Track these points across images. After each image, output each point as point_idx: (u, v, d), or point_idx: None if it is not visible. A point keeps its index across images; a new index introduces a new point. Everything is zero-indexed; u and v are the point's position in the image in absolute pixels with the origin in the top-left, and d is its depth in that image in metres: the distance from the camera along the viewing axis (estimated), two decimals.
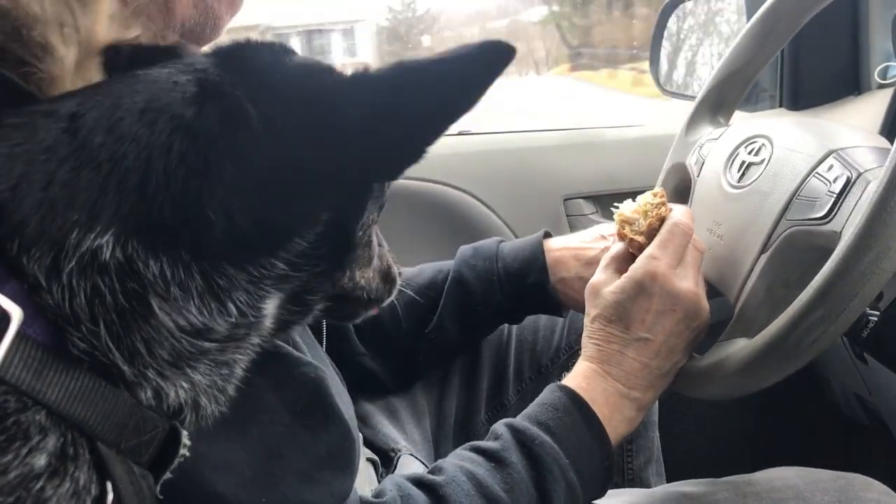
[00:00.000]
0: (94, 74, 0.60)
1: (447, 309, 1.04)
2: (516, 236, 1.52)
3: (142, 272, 0.45)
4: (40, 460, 0.40)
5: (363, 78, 0.50)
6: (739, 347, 0.76)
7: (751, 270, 0.80)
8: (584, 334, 0.86)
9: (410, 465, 0.98)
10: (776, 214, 0.79)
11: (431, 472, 0.75)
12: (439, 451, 1.10)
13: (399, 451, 1.00)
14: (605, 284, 0.84)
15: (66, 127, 0.46)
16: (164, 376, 0.46)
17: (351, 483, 0.66)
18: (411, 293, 1.03)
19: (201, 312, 0.47)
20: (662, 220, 0.84)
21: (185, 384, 0.47)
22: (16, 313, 0.41)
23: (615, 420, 0.80)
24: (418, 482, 0.73)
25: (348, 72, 0.52)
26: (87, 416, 0.43)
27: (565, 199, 1.58)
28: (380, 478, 0.95)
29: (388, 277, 0.67)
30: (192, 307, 0.46)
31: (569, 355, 1.18)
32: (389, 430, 1.04)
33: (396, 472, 0.96)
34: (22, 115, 0.47)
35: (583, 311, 0.88)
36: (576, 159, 1.63)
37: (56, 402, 0.41)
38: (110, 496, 0.43)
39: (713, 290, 0.87)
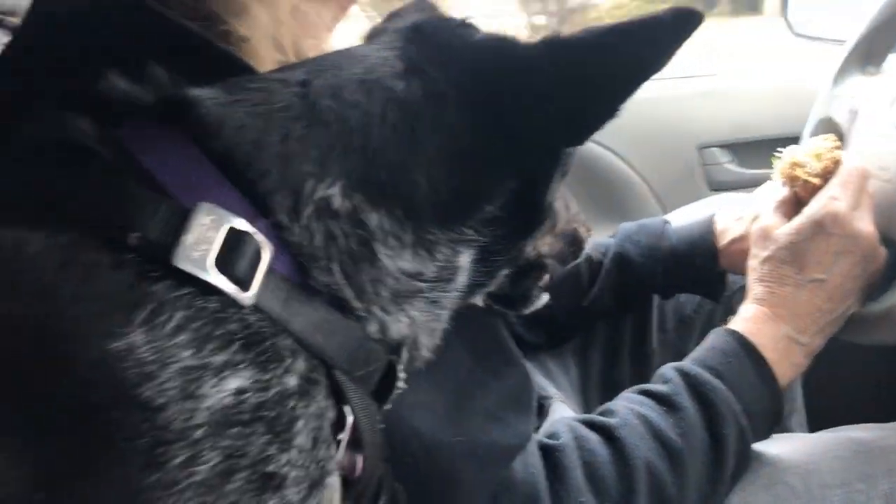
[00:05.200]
0: (286, 39, 0.64)
1: (607, 284, 1.05)
2: (650, 187, 1.50)
3: (366, 221, 0.49)
4: (292, 381, 0.44)
5: (556, 45, 0.52)
6: None
7: None
8: (751, 277, 0.85)
9: (562, 411, 1.00)
10: None
11: (602, 413, 0.77)
12: (587, 399, 1.12)
13: (550, 397, 1.02)
14: (777, 227, 0.83)
15: (297, 91, 0.50)
16: (387, 311, 0.50)
17: (531, 425, 0.69)
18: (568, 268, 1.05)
19: (414, 259, 0.51)
20: (837, 163, 0.81)
21: (404, 319, 0.51)
22: (267, 248, 0.45)
23: (783, 366, 0.79)
24: (590, 424, 0.75)
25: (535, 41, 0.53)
26: (325, 345, 0.47)
27: (700, 148, 1.54)
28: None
29: (573, 241, 0.69)
30: (406, 254, 0.50)
31: (713, 306, 1.17)
32: (539, 379, 1.06)
33: (549, 417, 0.98)
34: (258, 80, 0.51)
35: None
36: (710, 108, 1.58)
37: (300, 330, 0.46)
38: (350, 419, 0.47)
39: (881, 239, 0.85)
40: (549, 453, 0.70)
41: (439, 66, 0.52)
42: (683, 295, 1.18)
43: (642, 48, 0.50)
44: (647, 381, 1.17)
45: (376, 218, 0.49)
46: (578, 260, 0.71)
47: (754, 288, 0.84)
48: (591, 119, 0.54)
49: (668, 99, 1.61)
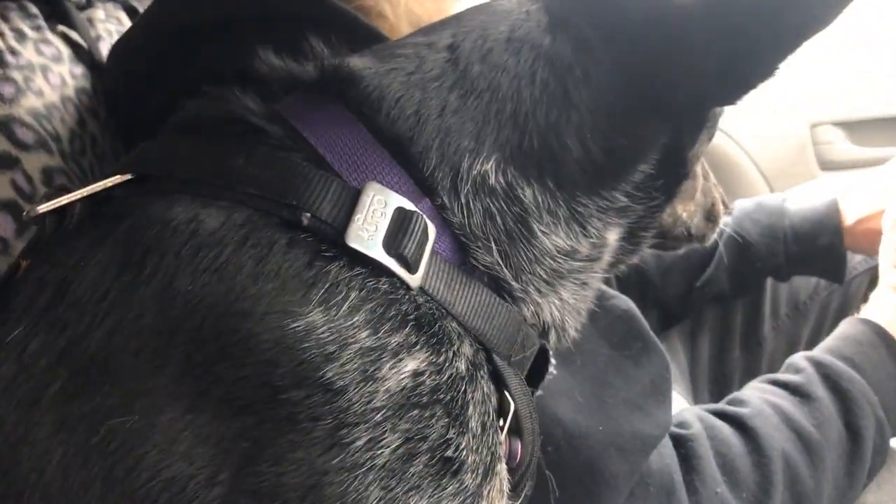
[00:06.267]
0: (422, 14, 0.63)
1: (723, 263, 1.02)
2: (757, 166, 1.44)
3: (521, 197, 0.47)
4: (462, 364, 0.43)
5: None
6: None
7: None
8: (885, 263, 0.80)
9: (675, 399, 0.98)
10: None
11: (731, 403, 0.74)
12: (695, 385, 1.09)
13: None
14: None
15: (448, 57, 0.49)
16: (541, 293, 0.49)
17: (670, 414, 0.67)
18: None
19: (568, 236, 0.49)
20: None
21: (556, 301, 0.50)
22: (432, 229, 0.44)
23: None
24: (721, 413, 0.73)
25: None
26: (485, 329, 0.45)
27: (812, 126, 1.47)
28: None
29: (710, 215, 0.66)
30: (560, 231, 0.49)
31: (829, 292, 1.12)
32: None
33: None
34: (406, 45, 0.50)
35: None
36: (824, 82, 1.50)
37: (462, 313, 0.44)
38: (513, 405, 0.46)
39: None
40: (681, 443, 0.68)
41: (586, 17, 0.50)
42: (798, 280, 1.14)
43: (809, 3, 0.46)
44: (757, 367, 1.14)
45: (531, 192, 0.47)
46: (713, 237, 0.68)
47: (889, 274, 0.79)
48: (748, 77, 0.50)
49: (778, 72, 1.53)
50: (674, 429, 0.71)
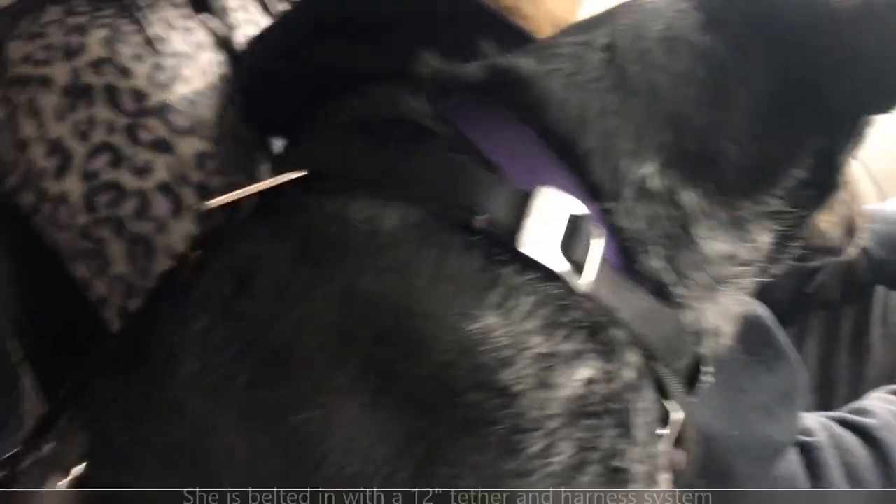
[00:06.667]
0: (562, 14, 0.63)
1: (835, 271, 1.00)
2: (870, 174, 1.38)
3: (681, 201, 0.47)
4: (629, 373, 0.43)
5: (876, 3, 0.47)
6: None
7: None
8: None
9: None
10: None
11: (855, 413, 0.73)
12: None
13: None
14: None
15: (604, 57, 0.49)
16: (701, 299, 0.49)
17: (799, 422, 0.66)
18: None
19: (727, 241, 0.49)
20: None
21: (715, 307, 0.50)
22: (601, 234, 0.45)
23: None
24: (845, 422, 0.72)
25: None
26: (649, 336, 0.45)
27: None
28: None
29: (849, 227, 0.65)
30: (720, 236, 0.48)
31: None
32: None
33: None
34: (562, 45, 0.50)
35: None
36: None
37: (628, 319, 0.44)
38: (676, 415, 0.46)
39: None
40: (807, 450, 0.67)
41: (740, 16, 0.49)
42: None
43: None
44: (863, 374, 1.11)
45: (691, 196, 0.47)
46: (850, 251, 0.66)
47: None
48: None
49: None
50: (798, 436, 0.71)
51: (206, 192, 0.65)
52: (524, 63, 0.49)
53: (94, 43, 0.67)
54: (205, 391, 0.40)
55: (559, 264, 0.43)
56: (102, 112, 0.65)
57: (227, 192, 0.48)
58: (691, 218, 0.47)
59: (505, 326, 0.40)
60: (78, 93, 0.65)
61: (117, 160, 0.64)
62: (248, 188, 0.48)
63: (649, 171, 0.46)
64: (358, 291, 0.41)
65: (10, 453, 0.46)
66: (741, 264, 0.50)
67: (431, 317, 0.40)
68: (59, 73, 0.66)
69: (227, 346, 0.41)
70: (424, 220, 0.43)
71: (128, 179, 0.64)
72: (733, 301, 0.51)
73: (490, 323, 0.40)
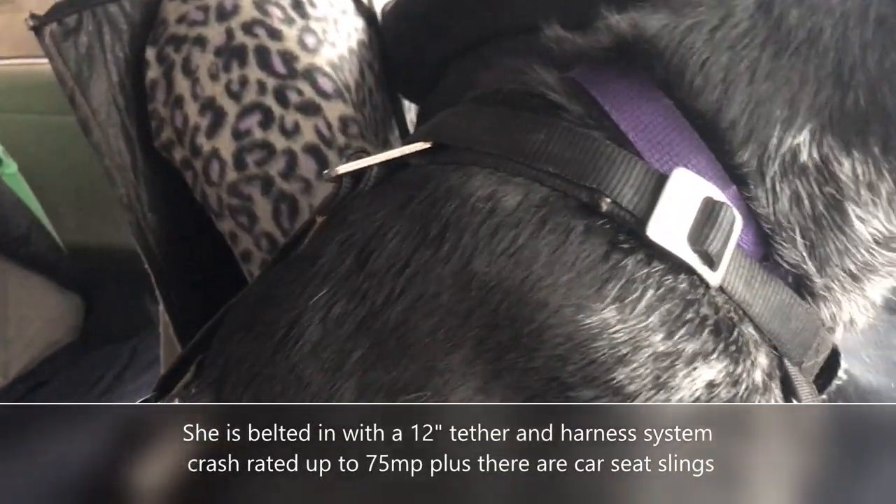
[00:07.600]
0: None
1: None
2: None
3: (837, 174, 0.42)
4: (758, 376, 0.41)
5: None
6: None
7: None
8: None
9: None
10: None
11: None
12: None
13: None
14: None
15: (759, 3, 0.43)
16: (846, 290, 0.44)
17: None
18: None
19: (888, 219, 0.43)
20: None
21: (860, 298, 0.45)
22: (738, 222, 0.41)
23: None
24: None
25: None
26: (780, 332, 0.42)
27: None
28: None
29: None
30: (879, 212, 0.43)
31: None
32: None
33: None
34: None
35: None
36: None
37: (759, 315, 0.41)
38: None
39: None
40: None
41: None
42: None
43: None
44: None
45: (849, 165, 0.42)
46: None
47: None
48: None
49: None
50: None
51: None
52: (656, 21, 0.44)
53: (247, 5, 0.69)
54: (324, 363, 0.41)
55: (689, 255, 0.40)
56: (254, 73, 0.67)
57: (359, 158, 0.49)
58: (847, 193, 0.42)
59: (623, 322, 0.38)
60: (231, 53, 0.68)
61: (268, 120, 0.67)
62: (376, 156, 0.49)
63: (801, 141, 0.41)
64: (473, 275, 0.40)
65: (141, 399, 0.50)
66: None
67: (547, 307, 0.39)
68: (213, 33, 0.68)
69: (344, 320, 0.42)
70: (546, 200, 0.42)
71: (277, 139, 0.67)
72: (882, 290, 0.46)
73: (607, 317, 0.39)
